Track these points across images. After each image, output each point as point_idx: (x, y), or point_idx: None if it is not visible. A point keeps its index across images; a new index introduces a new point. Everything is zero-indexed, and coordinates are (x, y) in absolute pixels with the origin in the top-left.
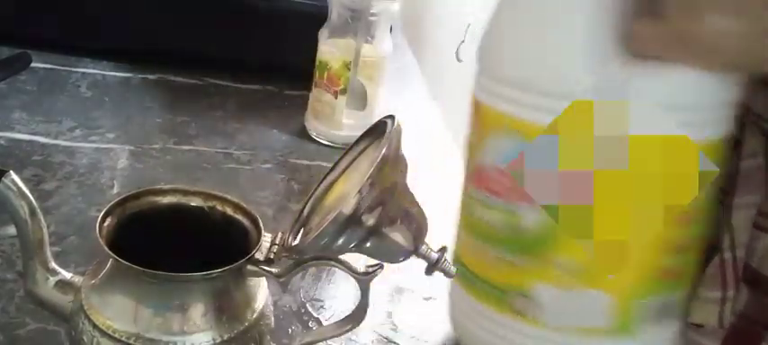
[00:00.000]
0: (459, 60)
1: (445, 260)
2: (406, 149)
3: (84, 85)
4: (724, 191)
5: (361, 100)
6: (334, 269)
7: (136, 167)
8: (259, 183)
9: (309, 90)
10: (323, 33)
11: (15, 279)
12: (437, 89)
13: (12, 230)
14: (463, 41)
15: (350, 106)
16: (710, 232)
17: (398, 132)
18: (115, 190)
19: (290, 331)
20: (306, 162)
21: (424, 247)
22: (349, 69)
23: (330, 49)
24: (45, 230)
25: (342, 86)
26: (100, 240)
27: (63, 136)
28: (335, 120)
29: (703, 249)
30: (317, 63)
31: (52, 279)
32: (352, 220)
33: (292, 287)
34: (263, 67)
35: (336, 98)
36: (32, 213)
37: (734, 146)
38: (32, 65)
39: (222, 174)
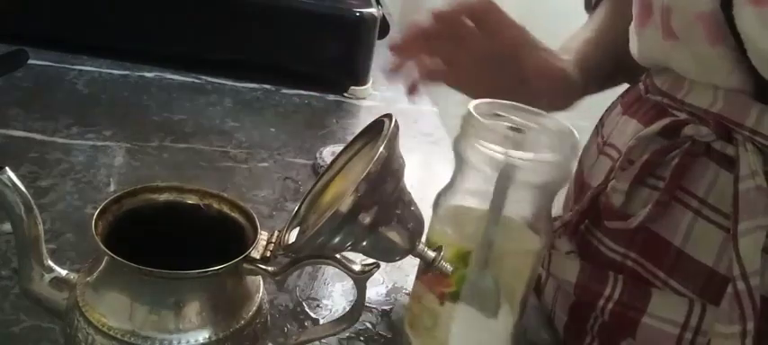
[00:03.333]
0: None
1: (441, 259)
2: (403, 149)
3: (81, 83)
4: (724, 216)
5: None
6: (329, 267)
7: (132, 165)
8: (256, 182)
9: (307, 89)
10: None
11: (10, 277)
12: (434, 89)
13: (7, 227)
14: None
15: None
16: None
17: (395, 132)
18: (111, 188)
19: (285, 329)
20: (303, 161)
21: (420, 246)
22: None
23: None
24: (41, 227)
25: (453, 288)
26: (96, 237)
27: (59, 133)
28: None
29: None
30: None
31: (47, 276)
32: (349, 219)
33: (288, 285)
34: (260, 66)
35: (442, 304)
36: (28, 210)
37: (725, 165)
38: (29, 62)
39: (219, 173)
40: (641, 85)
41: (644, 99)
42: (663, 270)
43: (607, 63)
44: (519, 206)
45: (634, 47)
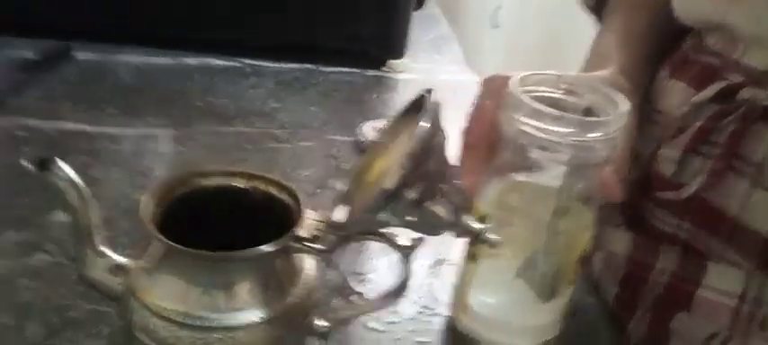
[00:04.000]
0: (495, 26)
1: (488, 231)
2: (445, 120)
3: (124, 73)
4: None
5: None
6: (374, 242)
7: (179, 151)
8: (300, 161)
9: (346, 66)
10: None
11: (67, 263)
12: (474, 57)
13: (61, 215)
14: (500, 7)
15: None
16: None
17: (437, 106)
18: (160, 174)
19: (332, 304)
20: (345, 138)
21: (466, 219)
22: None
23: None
24: (95, 215)
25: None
26: (147, 223)
27: (107, 123)
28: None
29: None
30: None
31: (103, 263)
32: (395, 195)
33: (334, 261)
34: (298, 46)
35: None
36: (83, 199)
37: None
38: (74, 54)
39: (264, 154)
40: (688, 43)
41: (692, 60)
42: (718, 241)
43: (645, 60)
44: None
45: (679, 5)
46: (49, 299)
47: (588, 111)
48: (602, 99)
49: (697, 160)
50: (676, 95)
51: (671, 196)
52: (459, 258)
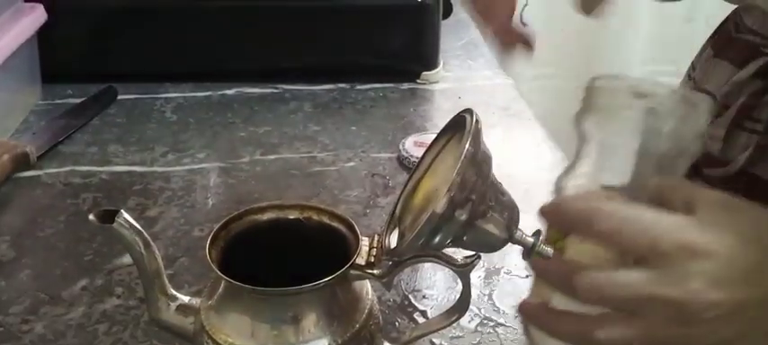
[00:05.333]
0: (523, 24)
1: (541, 243)
2: (483, 125)
3: (168, 110)
4: None
5: None
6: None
7: (228, 183)
8: (346, 182)
9: (381, 82)
10: None
11: (137, 305)
12: (506, 59)
13: (126, 259)
14: (526, 3)
15: None
16: None
17: (478, 127)
18: (212, 208)
19: (396, 324)
20: (387, 154)
21: (518, 233)
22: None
23: None
24: (160, 260)
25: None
26: (212, 265)
27: (157, 162)
28: None
29: None
30: None
31: (173, 305)
32: (446, 218)
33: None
34: (332, 67)
35: None
36: (147, 246)
37: None
38: (118, 97)
39: (310, 178)
40: (731, 24)
41: (735, 39)
42: None
43: None
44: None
45: None
46: (128, 343)
47: (651, 112)
48: (669, 96)
49: (742, 136)
50: (720, 74)
51: (719, 173)
52: (513, 264)
